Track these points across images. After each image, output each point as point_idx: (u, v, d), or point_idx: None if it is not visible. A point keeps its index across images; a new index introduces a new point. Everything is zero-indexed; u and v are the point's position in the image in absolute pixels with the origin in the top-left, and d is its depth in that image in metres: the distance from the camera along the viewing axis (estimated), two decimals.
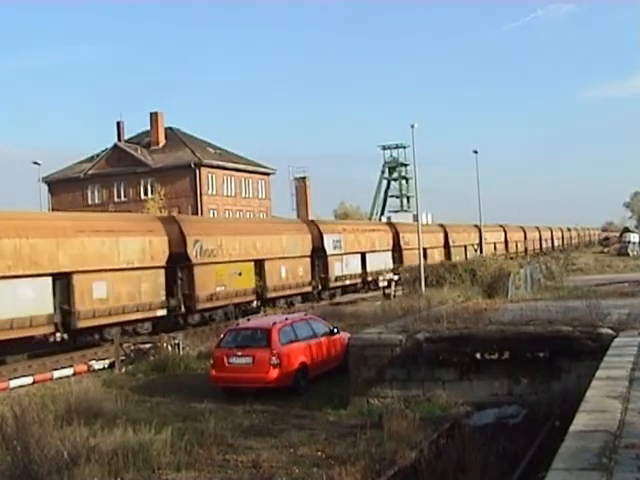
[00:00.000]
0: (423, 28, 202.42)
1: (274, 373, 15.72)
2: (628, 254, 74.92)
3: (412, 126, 35.35)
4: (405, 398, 14.09)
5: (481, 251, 53.64)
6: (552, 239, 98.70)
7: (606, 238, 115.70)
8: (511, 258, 49.89)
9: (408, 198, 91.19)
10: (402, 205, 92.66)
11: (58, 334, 22.98)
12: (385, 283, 37.64)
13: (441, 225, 58.52)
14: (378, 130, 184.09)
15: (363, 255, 43.73)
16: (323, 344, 17.36)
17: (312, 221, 42.90)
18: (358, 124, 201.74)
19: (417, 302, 20.01)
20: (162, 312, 26.90)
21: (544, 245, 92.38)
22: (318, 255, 38.82)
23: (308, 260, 37.28)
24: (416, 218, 43.74)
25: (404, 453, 11.00)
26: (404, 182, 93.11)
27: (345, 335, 17.74)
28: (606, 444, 6.16)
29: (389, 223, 53.64)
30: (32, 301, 21.64)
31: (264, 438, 12.61)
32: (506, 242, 74.36)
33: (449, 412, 13.46)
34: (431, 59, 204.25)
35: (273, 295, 33.98)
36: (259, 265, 32.98)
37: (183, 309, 28.35)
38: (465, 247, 58.38)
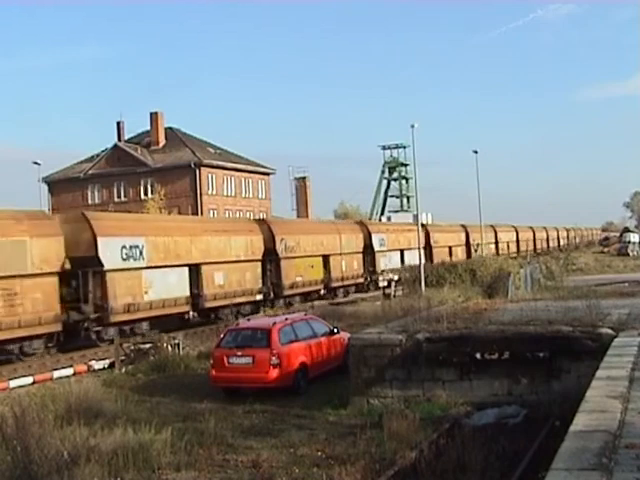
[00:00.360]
0: (423, 28, 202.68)
1: (274, 373, 15.73)
2: (628, 254, 74.92)
3: (412, 126, 35.41)
4: (405, 398, 14.10)
5: (497, 251, 60.98)
6: (558, 238, 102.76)
7: (606, 238, 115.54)
8: (523, 257, 54.98)
9: (408, 198, 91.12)
10: (402, 205, 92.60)
11: (192, 312, 28.94)
12: (385, 283, 37.66)
13: (462, 225, 62.73)
14: (378, 130, 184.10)
15: (402, 252, 48.85)
16: (323, 344, 17.36)
17: (361, 222, 48.80)
18: (358, 124, 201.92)
19: (417, 302, 20.01)
20: (259, 297, 32.96)
21: (551, 244, 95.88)
22: (367, 252, 44.29)
23: (361, 256, 43.46)
24: (416, 218, 43.88)
25: (404, 453, 11.00)
26: (404, 182, 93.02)
27: (345, 335, 17.73)
28: (606, 444, 6.16)
29: (423, 225, 56.69)
30: (176, 285, 27.80)
31: (264, 438, 12.62)
32: (518, 242, 79.41)
33: (449, 412, 13.46)
34: (431, 59, 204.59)
35: (336, 285, 40.14)
36: (325, 259, 39.02)
37: (272, 295, 34.07)
38: (479, 244, 61.55)
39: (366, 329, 17.22)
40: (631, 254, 75.22)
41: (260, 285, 32.94)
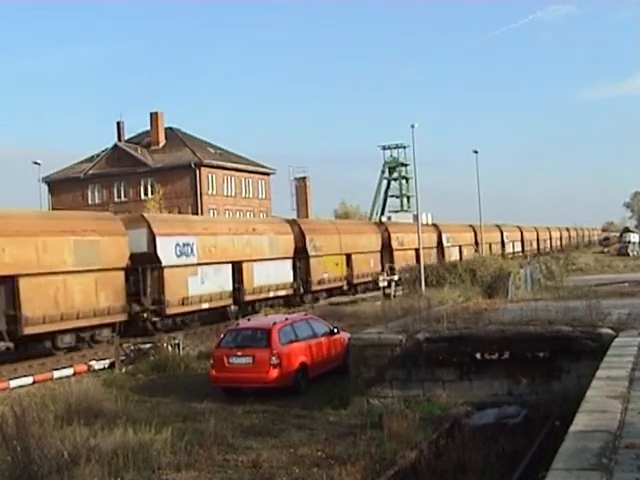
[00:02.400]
0: (423, 29, 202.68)
1: (274, 373, 15.73)
2: (628, 254, 74.97)
3: (412, 126, 35.44)
4: (405, 398, 14.10)
5: (503, 250, 64.59)
6: (560, 238, 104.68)
7: (606, 238, 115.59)
8: (529, 256, 59.70)
9: (408, 198, 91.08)
10: (402, 205, 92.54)
11: (233, 306, 31.04)
12: (385, 283, 37.67)
13: (471, 225, 64.71)
14: (378, 130, 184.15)
15: (417, 251, 49.28)
16: (323, 344, 17.36)
17: (380, 223, 51.79)
18: (358, 124, 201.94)
19: (417, 302, 19.98)
20: (290, 291, 35.52)
21: (553, 244, 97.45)
22: (385, 250, 46.48)
23: (379, 254, 45.75)
24: (416, 218, 43.97)
25: (404, 453, 11.01)
26: (404, 182, 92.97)
27: (345, 335, 17.73)
28: (606, 444, 6.16)
29: (435, 225, 59.43)
30: (222, 281, 30.30)
31: (264, 438, 12.62)
32: (522, 241, 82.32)
33: (449, 412, 13.46)
34: (431, 59, 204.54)
35: (357, 282, 42.37)
36: (348, 258, 41.65)
37: (302, 290, 36.61)
38: (490, 245, 65.18)
39: (366, 329, 17.22)
40: (631, 254, 75.26)
41: (292, 281, 35.76)
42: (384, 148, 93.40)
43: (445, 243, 56.01)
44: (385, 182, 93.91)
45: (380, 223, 50.92)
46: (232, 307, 30.98)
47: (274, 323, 16.68)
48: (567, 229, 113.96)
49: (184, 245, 28.18)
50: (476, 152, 51.66)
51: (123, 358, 20.57)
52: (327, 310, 30.05)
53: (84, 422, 12.72)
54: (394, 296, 33.49)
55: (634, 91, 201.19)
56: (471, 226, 63.62)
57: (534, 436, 11.70)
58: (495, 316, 16.99)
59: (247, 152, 69.62)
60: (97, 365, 20.49)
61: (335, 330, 18.07)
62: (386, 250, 46.27)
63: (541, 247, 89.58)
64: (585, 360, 12.81)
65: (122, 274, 25.44)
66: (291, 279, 35.64)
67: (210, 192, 60.62)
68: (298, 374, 16.13)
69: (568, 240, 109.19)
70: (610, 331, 13.45)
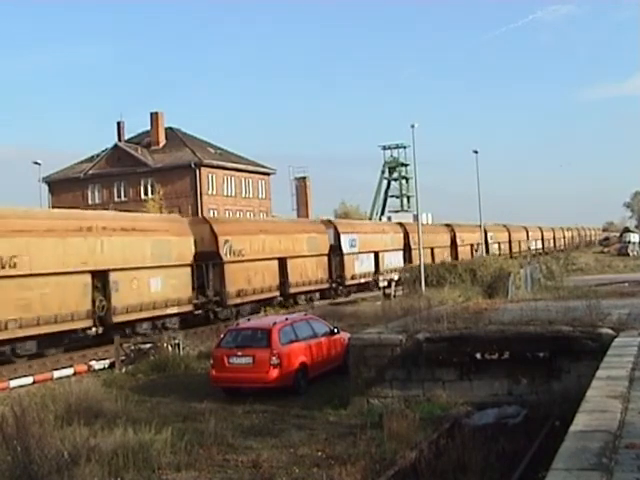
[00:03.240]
0: (423, 29, 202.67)
1: (274, 373, 15.72)
2: (628, 254, 74.98)
3: (412, 126, 35.40)
4: (405, 398, 14.10)
5: (510, 249, 69.29)
6: (564, 238, 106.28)
7: (606, 238, 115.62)
8: (533, 255, 62.82)
9: (408, 198, 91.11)
10: (402, 205, 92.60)
11: (279, 297, 34.56)
12: (385, 283, 37.70)
13: (479, 226, 67.85)
14: (378, 130, 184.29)
15: (432, 250, 53.46)
16: (323, 344, 17.36)
17: (402, 224, 54.21)
18: (358, 124, 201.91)
19: (417, 302, 19.97)
20: (326, 285, 39.44)
21: (557, 244, 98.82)
22: (406, 249, 50.33)
23: (401, 252, 49.56)
24: (416, 218, 44.07)
25: (404, 453, 11.00)
26: (404, 182, 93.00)
27: (345, 335, 17.73)
28: (606, 444, 6.16)
29: (448, 225, 63.06)
30: (270, 275, 34.00)
31: (264, 438, 12.62)
32: (528, 240, 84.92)
33: (449, 412, 13.46)
34: (431, 60, 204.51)
35: (383, 277, 44.48)
36: (376, 255, 45.53)
37: (335, 285, 40.44)
38: (499, 244, 71.57)
39: (366, 329, 17.22)
40: (631, 254, 75.27)
41: (327, 276, 39.51)
42: (384, 148, 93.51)
43: (459, 242, 59.75)
44: (385, 182, 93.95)
45: (402, 224, 54.80)
46: (278, 298, 34.42)
47: (274, 323, 16.68)
48: (567, 229, 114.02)
49: (238, 243, 31.87)
50: (476, 152, 51.66)
51: (123, 358, 20.57)
52: (327, 310, 30.06)
53: (84, 422, 12.72)
54: (394, 296, 33.49)
55: (634, 91, 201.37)
56: (479, 226, 66.00)
57: (534, 436, 11.70)
58: (495, 316, 16.98)
59: (247, 152, 69.80)
60: (97, 365, 20.49)
61: (335, 330, 18.07)
62: (407, 249, 50.75)
63: (545, 246, 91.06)
64: (585, 360, 12.80)
65: (189, 269, 28.54)
66: (327, 275, 39.70)
67: (210, 192, 60.61)
68: (298, 374, 16.13)
69: (569, 240, 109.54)
70: (610, 331, 13.45)
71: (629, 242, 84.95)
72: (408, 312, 17.79)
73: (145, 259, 26.25)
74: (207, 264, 29.79)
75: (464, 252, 58.32)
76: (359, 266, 43.12)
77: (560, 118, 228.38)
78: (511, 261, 37.99)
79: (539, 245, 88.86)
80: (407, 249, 49.81)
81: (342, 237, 41.60)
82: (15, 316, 20.98)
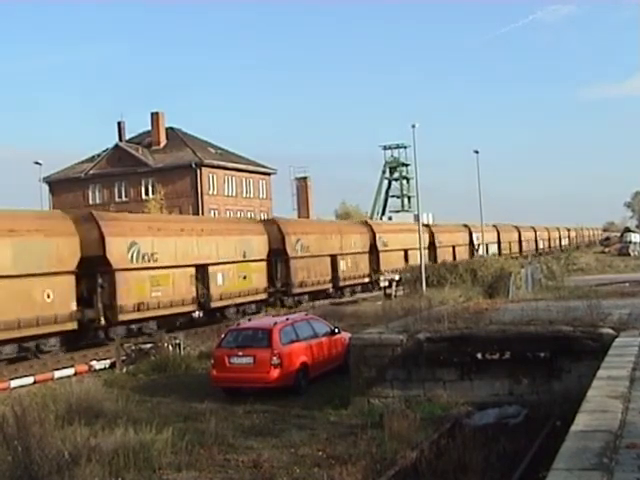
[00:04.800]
0: (423, 29, 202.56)
1: (275, 373, 15.72)
2: (629, 254, 74.89)
3: (413, 126, 35.36)
4: (406, 398, 14.09)
5: (520, 248, 74.07)
6: (569, 237, 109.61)
7: (607, 238, 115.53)
8: (540, 254, 68.39)
9: (409, 198, 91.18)
10: (403, 205, 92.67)
11: (331, 289, 40.00)
12: (386, 283, 37.68)
13: (494, 226, 72.96)
14: (379, 130, 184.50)
15: (454, 248, 59.09)
16: (324, 344, 17.36)
17: (428, 225, 56.91)
18: (359, 124, 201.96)
19: (418, 302, 19.97)
20: (368, 279, 44.02)
21: (558, 244, 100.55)
22: (431, 247, 54.21)
23: (427, 251, 50.81)
24: (417, 218, 44.08)
25: (405, 453, 11.00)
26: (405, 182, 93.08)
27: (346, 335, 17.72)
28: (607, 444, 6.15)
29: (465, 225, 66.38)
30: (324, 270, 39.70)
31: (265, 438, 12.62)
32: (536, 240, 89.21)
33: (450, 412, 13.45)
34: (431, 60, 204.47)
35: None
36: (406, 253, 49.37)
37: (374, 279, 43.50)
38: (510, 243, 75.87)
39: (367, 329, 17.21)
40: (632, 254, 75.17)
41: (368, 271, 44.23)
42: (385, 148, 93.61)
43: (475, 241, 63.06)
44: (386, 182, 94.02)
45: (428, 225, 57.89)
46: (330, 290, 40.23)
47: (275, 323, 16.68)
48: (568, 229, 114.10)
49: (298, 241, 37.33)
50: (477, 152, 51.58)
51: (124, 358, 20.57)
52: (328, 310, 30.05)
53: (85, 422, 12.73)
54: (395, 296, 33.47)
55: (634, 91, 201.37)
56: (495, 226, 72.16)
57: (535, 436, 11.69)
58: (496, 316, 16.98)
59: (248, 152, 69.49)
60: (98, 365, 20.50)
61: (336, 330, 18.07)
62: (432, 247, 54.97)
63: (548, 245, 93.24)
64: (586, 360, 12.80)
65: (265, 263, 34.18)
66: (368, 270, 44.32)
67: (211, 192, 60.61)
68: (299, 374, 16.13)
69: (569, 240, 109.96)
70: (611, 331, 13.45)
71: (630, 242, 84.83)
72: (409, 312, 17.80)
73: (235, 255, 31.77)
74: (276, 260, 35.48)
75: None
76: (392, 262, 47.28)
77: (560, 118, 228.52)
78: (512, 261, 37.96)
79: (545, 245, 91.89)
80: (432, 247, 54.60)
81: (377, 236, 47.07)
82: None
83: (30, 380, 18.53)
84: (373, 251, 46.02)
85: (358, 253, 44.00)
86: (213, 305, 30.05)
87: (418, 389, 14.28)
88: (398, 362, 14.42)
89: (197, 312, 29.51)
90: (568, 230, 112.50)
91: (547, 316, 15.23)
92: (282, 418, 14.01)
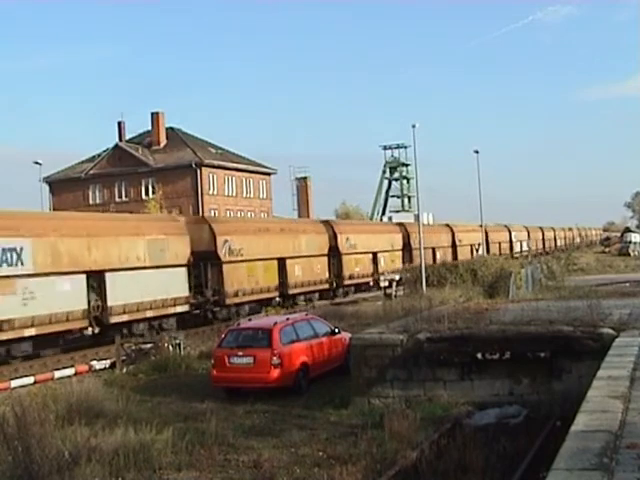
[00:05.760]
0: (423, 29, 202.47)
1: (275, 373, 15.72)
2: (629, 254, 74.91)
3: (413, 126, 35.36)
4: (406, 398, 14.09)
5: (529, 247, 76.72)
6: (565, 238, 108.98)
7: (607, 238, 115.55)
8: (547, 253, 72.86)
9: (409, 198, 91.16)
10: (403, 205, 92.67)
11: (371, 282, 43.44)
12: (387, 283, 37.66)
13: (506, 226, 76.92)
14: (379, 130, 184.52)
15: (471, 247, 60.56)
16: (324, 344, 17.35)
17: (447, 225, 60.93)
18: (359, 124, 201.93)
19: (418, 302, 19.99)
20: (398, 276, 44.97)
21: (558, 244, 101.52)
22: (453, 246, 58.97)
23: (450, 249, 58.19)
24: (417, 218, 44.10)
25: (405, 453, 11.00)
26: (405, 182, 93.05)
27: (346, 335, 17.72)
28: (607, 444, 6.15)
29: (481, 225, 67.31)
30: (367, 265, 44.48)
31: (265, 438, 12.61)
32: (543, 240, 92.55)
33: (450, 412, 13.45)
34: (431, 60, 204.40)
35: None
36: (433, 251, 52.39)
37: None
38: (521, 242, 78.62)
39: (367, 329, 17.22)
40: (632, 254, 75.19)
41: (400, 267, 45.23)
42: (385, 148, 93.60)
43: (490, 241, 65.54)
44: (386, 182, 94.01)
45: (447, 225, 61.25)
46: (371, 283, 43.74)
47: (275, 323, 16.67)
48: (568, 229, 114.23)
49: (351, 241, 42.58)
50: (477, 152, 51.51)
51: (124, 358, 20.56)
52: (328, 310, 30.06)
53: (85, 422, 12.73)
54: (395, 296, 33.48)
55: (634, 91, 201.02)
56: (506, 226, 75.94)
57: (535, 436, 11.69)
58: (496, 316, 16.98)
59: (248, 152, 69.52)
60: (98, 365, 20.50)
61: (336, 330, 18.07)
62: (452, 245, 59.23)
63: (548, 246, 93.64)
64: (586, 360, 12.80)
65: (326, 258, 39.72)
66: (400, 265, 46.01)
67: (211, 192, 60.62)
68: (299, 374, 16.12)
69: (573, 240, 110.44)
70: (611, 331, 13.45)
71: (630, 242, 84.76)
72: (409, 312, 17.81)
73: (300, 250, 36.86)
74: (333, 255, 40.53)
75: (493, 249, 65.36)
76: (436, 257, 51.82)
77: (560, 118, 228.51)
78: (512, 261, 37.96)
79: (552, 244, 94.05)
80: (454, 245, 58.73)
81: (410, 236, 50.16)
82: (247, 286, 31.78)
83: (30, 380, 18.53)
84: (407, 249, 48.95)
85: (394, 250, 47.21)
86: (290, 292, 35.62)
87: (418, 389, 14.28)
88: (398, 362, 14.42)
89: (277, 298, 34.76)
90: (570, 230, 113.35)
91: (547, 316, 15.24)
92: (282, 418, 14.01)
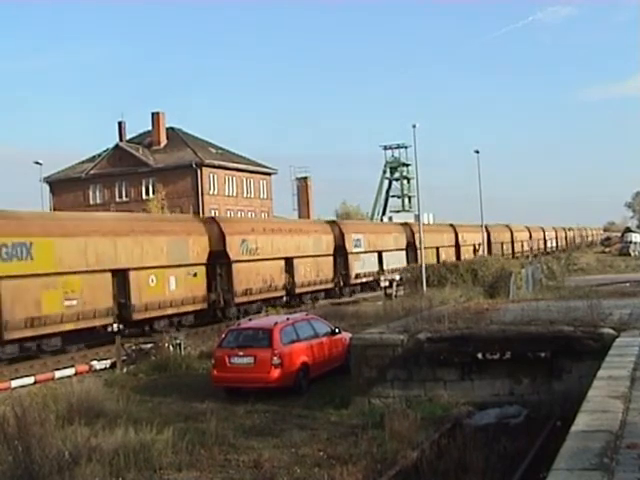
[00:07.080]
0: (423, 29, 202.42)
1: (276, 373, 15.72)
2: (629, 254, 74.89)
3: (414, 126, 35.36)
4: (406, 398, 14.09)
5: (531, 247, 78.79)
6: (565, 238, 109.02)
7: (607, 238, 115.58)
8: (548, 253, 73.24)
9: (410, 198, 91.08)
10: (403, 205, 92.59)
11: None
12: (387, 283, 37.67)
13: (507, 226, 78.19)
14: (379, 130, 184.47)
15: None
16: (325, 344, 17.35)
17: (452, 225, 61.69)
18: (359, 124, 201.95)
19: (419, 302, 19.98)
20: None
21: (559, 243, 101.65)
22: (457, 245, 60.39)
23: (454, 248, 59.47)
24: (417, 218, 44.14)
25: (405, 453, 11.00)
26: (405, 182, 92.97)
27: (346, 335, 17.72)
28: (608, 444, 6.15)
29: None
30: (373, 264, 45.67)
31: (266, 438, 12.61)
32: (545, 240, 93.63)
33: (450, 412, 13.45)
34: (432, 60, 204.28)
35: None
36: (438, 250, 53.50)
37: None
38: (522, 242, 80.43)
39: (367, 329, 17.21)
40: (632, 254, 75.17)
41: (405, 265, 46.49)
42: (385, 148, 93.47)
43: (493, 241, 66.64)
44: (386, 182, 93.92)
45: (452, 225, 61.91)
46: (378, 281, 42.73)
47: (275, 323, 16.67)
48: (569, 229, 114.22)
49: (357, 240, 43.34)
50: (477, 152, 51.49)
51: (124, 358, 20.56)
52: (329, 310, 30.06)
53: (85, 422, 12.73)
54: (395, 296, 33.47)
55: (634, 91, 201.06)
56: (507, 226, 76.96)
57: (535, 436, 11.69)
58: (496, 316, 16.98)
59: (248, 152, 69.64)
60: (98, 365, 20.49)
61: (336, 330, 18.07)
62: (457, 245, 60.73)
63: (549, 245, 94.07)
64: (586, 360, 12.80)
65: (332, 258, 40.58)
66: (405, 264, 46.73)
67: (211, 192, 60.62)
68: (299, 374, 16.12)
69: (574, 240, 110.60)
70: (611, 331, 13.45)
71: (630, 242, 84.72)
72: (409, 312, 17.81)
73: (307, 250, 37.39)
74: (339, 255, 41.21)
75: (496, 249, 66.78)
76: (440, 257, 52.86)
77: (560, 118, 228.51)
78: (512, 261, 37.97)
79: (553, 244, 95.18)
80: (457, 245, 60.44)
81: (415, 236, 49.43)
82: (256, 286, 32.18)
83: (31, 380, 18.52)
84: (412, 248, 49.14)
85: (399, 249, 47.88)
86: (297, 291, 35.76)
87: (419, 389, 14.28)
88: (399, 362, 14.42)
89: (284, 297, 34.92)
90: (571, 230, 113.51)
91: (548, 316, 15.23)
92: (283, 418, 14.01)
